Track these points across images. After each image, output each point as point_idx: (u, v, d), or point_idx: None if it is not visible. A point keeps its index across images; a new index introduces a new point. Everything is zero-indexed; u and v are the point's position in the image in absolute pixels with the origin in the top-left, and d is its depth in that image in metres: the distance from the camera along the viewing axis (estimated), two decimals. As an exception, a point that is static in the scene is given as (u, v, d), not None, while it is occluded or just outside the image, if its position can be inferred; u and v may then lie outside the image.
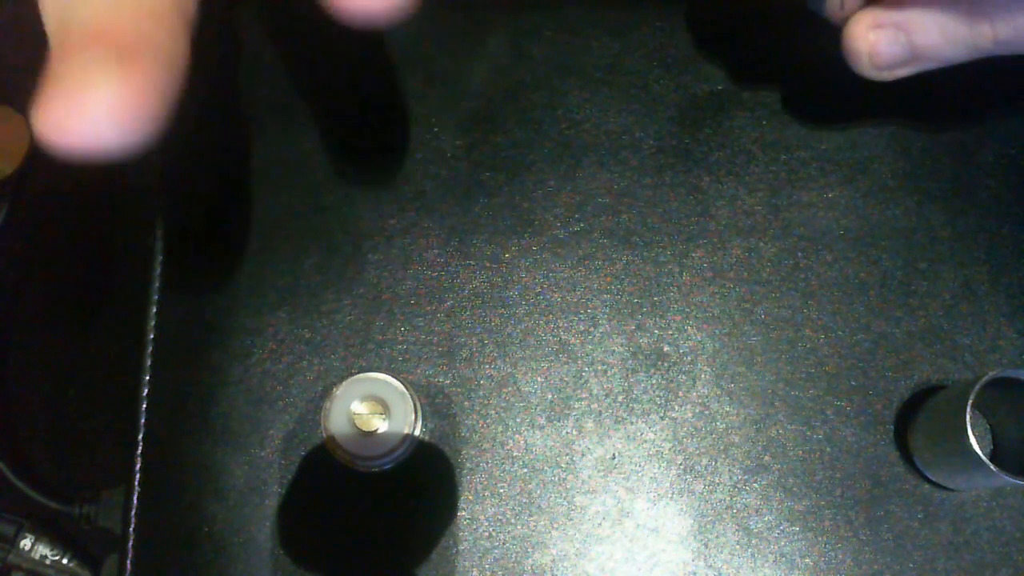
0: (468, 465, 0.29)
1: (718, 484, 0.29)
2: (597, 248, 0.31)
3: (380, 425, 0.29)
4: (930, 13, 0.28)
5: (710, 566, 0.29)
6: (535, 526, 0.29)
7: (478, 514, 0.29)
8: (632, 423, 0.30)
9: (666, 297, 0.31)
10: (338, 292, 0.31)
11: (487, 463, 0.29)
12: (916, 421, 0.29)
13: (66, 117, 0.16)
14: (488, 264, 0.31)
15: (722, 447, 0.30)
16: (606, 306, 0.31)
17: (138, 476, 0.30)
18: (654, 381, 0.30)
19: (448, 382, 0.30)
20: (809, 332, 0.31)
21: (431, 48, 0.33)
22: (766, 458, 0.29)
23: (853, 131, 0.33)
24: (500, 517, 0.29)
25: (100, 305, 0.40)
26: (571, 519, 0.29)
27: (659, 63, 0.33)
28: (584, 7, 0.34)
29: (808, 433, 0.30)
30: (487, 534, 0.29)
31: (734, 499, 0.29)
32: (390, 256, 0.31)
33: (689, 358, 0.30)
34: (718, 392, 0.30)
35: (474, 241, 0.31)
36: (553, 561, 0.29)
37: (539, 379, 0.30)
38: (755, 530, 0.29)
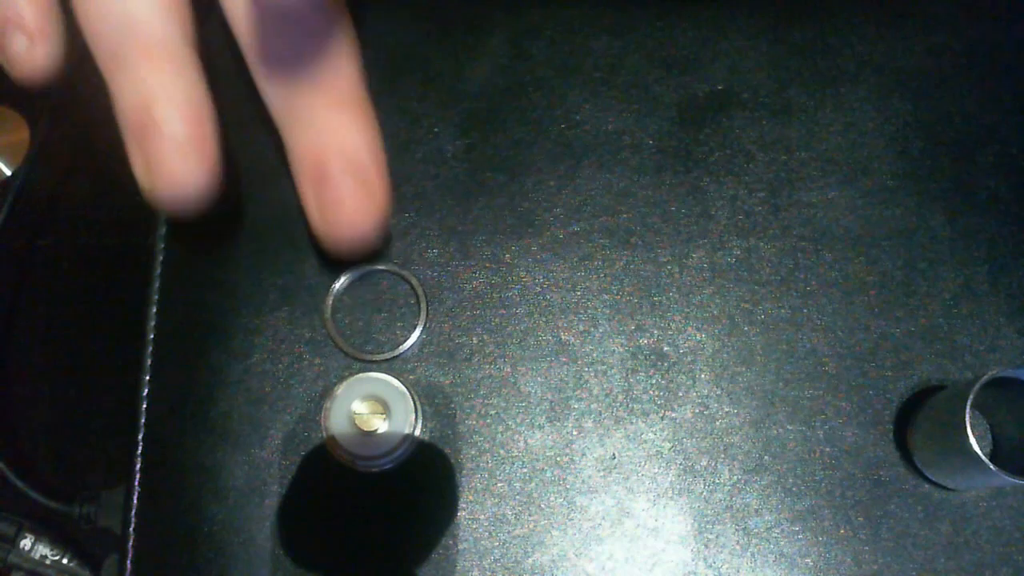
0: (468, 465, 0.29)
1: (718, 484, 0.29)
2: (597, 248, 0.31)
3: (380, 425, 0.29)
4: None
5: (710, 566, 0.29)
6: (535, 526, 0.29)
7: (478, 514, 0.29)
8: (632, 423, 0.30)
9: (666, 297, 0.31)
10: (342, 285, 0.31)
11: (487, 463, 0.29)
12: (916, 421, 0.29)
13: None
14: (488, 264, 0.31)
15: (722, 447, 0.30)
16: (606, 306, 0.31)
17: (138, 476, 0.30)
18: (654, 381, 0.30)
19: (448, 382, 0.30)
20: (809, 332, 0.31)
21: (431, 48, 0.33)
22: (766, 458, 0.29)
23: (853, 131, 0.33)
24: (500, 517, 0.29)
25: (100, 305, 0.40)
26: (571, 519, 0.29)
27: (659, 63, 0.33)
28: (584, 7, 0.34)
29: (808, 433, 0.30)
30: (487, 534, 0.29)
31: (734, 499, 0.29)
32: (389, 256, 0.31)
33: (689, 358, 0.30)
34: (718, 392, 0.30)
35: (474, 241, 0.31)
36: (553, 561, 0.29)
37: (539, 379, 0.30)
38: (755, 530, 0.29)
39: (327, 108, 0.25)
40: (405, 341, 0.30)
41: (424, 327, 0.30)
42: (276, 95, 0.26)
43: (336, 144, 0.25)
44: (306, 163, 0.26)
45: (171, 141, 0.24)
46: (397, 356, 0.30)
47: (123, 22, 0.24)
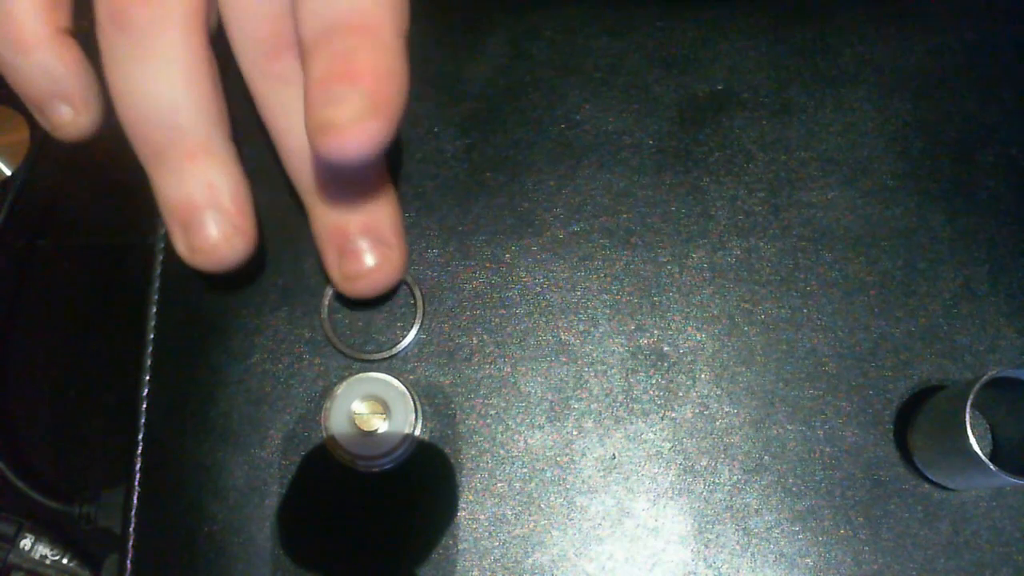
0: (468, 465, 0.29)
1: (718, 484, 0.29)
2: (597, 248, 0.31)
3: (380, 425, 0.29)
4: None
5: (710, 566, 0.29)
6: (535, 526, 0.29)
7: (478, 514, 0.29)
8: (632, 423, 0.30)
9: (666, 297, 0.31)
10: (334, 292, 0.31)
11: (487, 463, 0.29)
12: (916, 421, 0.29)
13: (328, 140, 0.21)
14: (488, 264, 0.31)
15: (722, 447, 0.30)
16: (606, 306, 0.31)
17: (138, 476, 0.30)
18: (654, 381, 0.30)
19: (448, 382, 0.30)
20: (809, 332, 0.31)
21: (431, 48, 0.33)
22: (766, 458, 0.29)
23: (853, 131, 0.33)
24: (500, 517, 0.29)
25: (100, 305, 0.40)
26: (571, 519, 0.29)
27: (659, 63, 0.33)
28: (584, 7, 0.34)
29: (808, 433, 0.30)
30: (487, 534, 0.29)
31: (734, 499, 0.29)
32: None
33: (689, 358, 0.30)
34: (718, 392, 0.30)
35: (474, 241, 0.31)
36: (553, 561, 0.29)
37: (539, 379, 0.30)
38: (755, 530, 0.29)
39: (354, 193, 0.27)
40: (402, 341, 0.30)
41: (421, 327, 0.30)
42: (311, 196, 0.28)
43: (359, 219, 0.27)
44: (329, 232, 0.28)
45: (216, 234, 0.26)
46: (394, 356, 0.30)
47: (167, 125, 0.26)
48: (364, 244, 0.27)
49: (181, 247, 0.26)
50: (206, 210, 0.26)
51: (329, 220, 0.27)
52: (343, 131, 0.21)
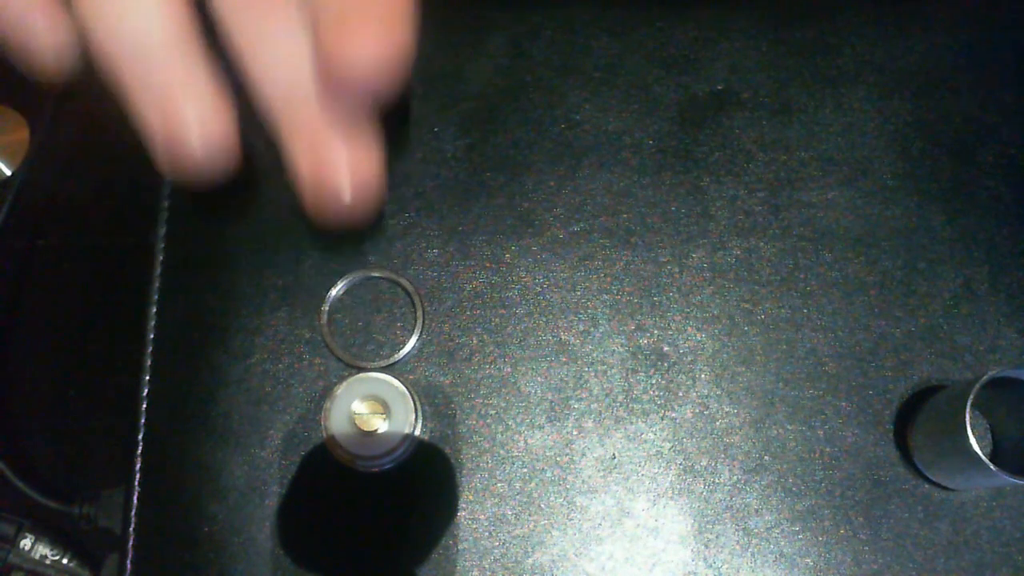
0: (468, 465, 0.29)
1: (718, 484, 0.29)
2: (597, 248, 0.31)
3: (380, 425, 0.29)
4: None
5: (710, 566, 0.29)
6: (535, 526, 0.29)
7: (478, 514, 0.29)
8: (632, 423, 0.30)
9: (666, 297, 0.31)
10: (338, 292, 0.31)
11: (487, 463, 0.29)
12: (916, 421, 0.29)
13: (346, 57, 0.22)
14: (488, 264, 0.31)
15: (722, 447, 0.30)
16: (606, 306, 0.31)
17: (138, 476, 0.30)
18: (654, 381, 0.30)
19: (448, 382, 0.30)
20: (809, 332, 0.31)
21: (431, 48, 0.33)
22: (766, 458, 0.29)
23: (853, 131, 0.33)
24: (500, 517, 0.29)
25: (100, 305, 0.40)
26: (571, 519, 0.29)
27: (659, 63, 0.33)
28: (584, 7, 0.34)
29: (808, 433, 0.30)
30: (487, 534, 0.29)
31: (734, 499, 0.29)
32: (390, 256, 0.31)
33: (689, 358, 0.30)
34: (718, 392, 0.30)
35: (474, 241, 0.31)
36: (553, 561, 0.29)
37: (539, 379, 0.30)
38: (755, 530, 0.29)
39: (339, 130, 0.27)
40: (402, 348, 0.30)
41: (420, 334, 0.30)
42: (291, 132, 0.27)
43: (341, 156, 0.27)
44: (309, 167, 0.27)
45: (200, 156, 0.26)
46: (393, 364, 0.30)
47: (142, 54, 0.26)
48: (343, 182, 0.27)
49: (165, 166, 0.26)
50: (190, 135, 0.26)
51: (310, 155, 0.27)
52: (361, 35, 0.21)
